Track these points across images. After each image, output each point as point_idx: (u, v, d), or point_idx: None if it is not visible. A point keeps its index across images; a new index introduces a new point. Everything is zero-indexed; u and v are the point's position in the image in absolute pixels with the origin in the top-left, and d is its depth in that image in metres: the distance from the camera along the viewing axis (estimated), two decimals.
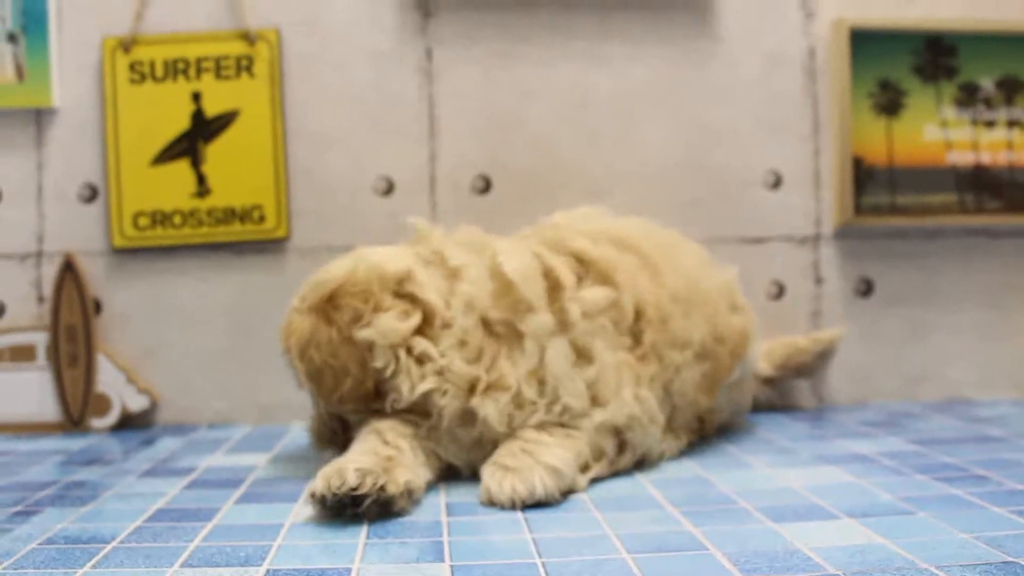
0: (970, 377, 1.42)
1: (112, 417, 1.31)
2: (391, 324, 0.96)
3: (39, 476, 1.04)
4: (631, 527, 0.81)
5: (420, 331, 0.97)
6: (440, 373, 0.95)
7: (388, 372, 0.96)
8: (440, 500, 0.91)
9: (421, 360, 0.96)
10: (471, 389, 0.96)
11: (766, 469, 1.01)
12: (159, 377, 1.33)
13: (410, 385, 0.95)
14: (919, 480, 0.95)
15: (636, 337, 1.03)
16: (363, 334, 0.96)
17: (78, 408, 1.30)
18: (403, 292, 0.98)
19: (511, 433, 0.95)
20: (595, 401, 0.98)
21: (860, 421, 1.27)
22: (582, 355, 0.99)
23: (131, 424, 1.32)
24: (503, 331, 0.98)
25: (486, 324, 0.98)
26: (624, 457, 1.01)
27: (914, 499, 0.88)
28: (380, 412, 0.98)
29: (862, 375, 1.40)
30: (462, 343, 0.96)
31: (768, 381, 1.32)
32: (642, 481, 0.97)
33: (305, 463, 1.08)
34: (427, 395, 0.95)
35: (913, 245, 1.41)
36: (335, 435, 1.04)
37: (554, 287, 1.00)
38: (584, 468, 0.96)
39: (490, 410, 0.94)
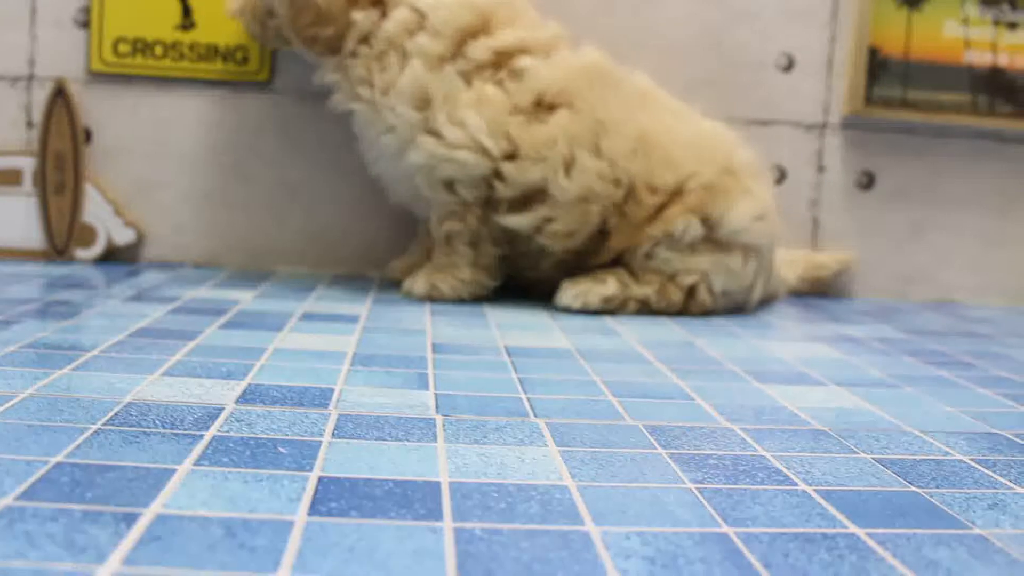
0: (964, 281, 1.41)
1: (97, 248, 1.29)
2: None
3: (20, 294, 1.03)
4: (618, 376, 0.80)
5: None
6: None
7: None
8: (427, 341, 0.90)
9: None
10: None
11: (755, 340, 1.00)
12: (147, 212, 1.31)
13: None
14: (907, 361, 0.94)
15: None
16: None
17: (63, 237, 1.28)
18: None
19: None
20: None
21: (851, 310, 1.26)
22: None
23: (116, 257, 1.30)
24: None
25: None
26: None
27: (902, 376, 0.87)
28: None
29: (855, 269, 1.39)
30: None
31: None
32: (628, 339, 0.96)
33: (292, 299, 1.07)
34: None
35: (920, 142, 1.38)
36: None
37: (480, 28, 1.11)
38: None
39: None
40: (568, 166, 1.09)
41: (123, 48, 1.28)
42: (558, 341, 0.94)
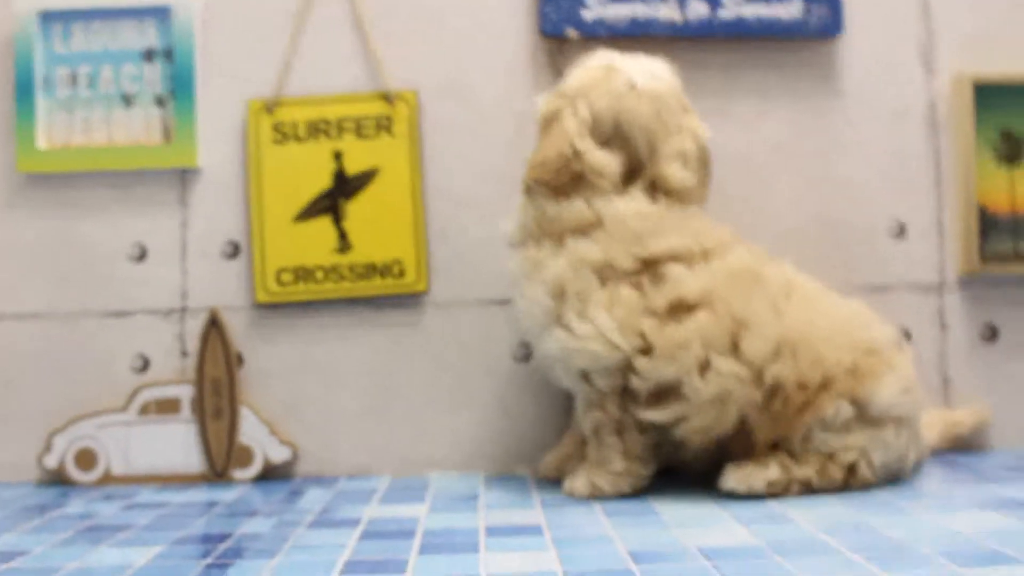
0: None
1: (254, 469, 1.34)
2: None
3: (210, 528, 1.07)
4: (824, 573, 0.82)
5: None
6: None
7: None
8: (619, 549, 0.93)
9: None
10: None
11: (924, 515, 1.02)
12: (299, 429, 1.37)
13: None
14: None
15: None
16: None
17: (222, 460, 1.34)
18: None
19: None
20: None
21: (995, 465, 1.27)
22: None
23: (271, 475, 1.35)
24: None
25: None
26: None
27: None
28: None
29: (990, 422, 1.40)
30: None
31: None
32: (805, 526, 0.98)
33: (464, 510, 1.11)
34: None
35: None
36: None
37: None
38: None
39: None
40: (703, 368, 1.12)
41: (286, 277, 1.36)
42: (740, 535, 0.96)
